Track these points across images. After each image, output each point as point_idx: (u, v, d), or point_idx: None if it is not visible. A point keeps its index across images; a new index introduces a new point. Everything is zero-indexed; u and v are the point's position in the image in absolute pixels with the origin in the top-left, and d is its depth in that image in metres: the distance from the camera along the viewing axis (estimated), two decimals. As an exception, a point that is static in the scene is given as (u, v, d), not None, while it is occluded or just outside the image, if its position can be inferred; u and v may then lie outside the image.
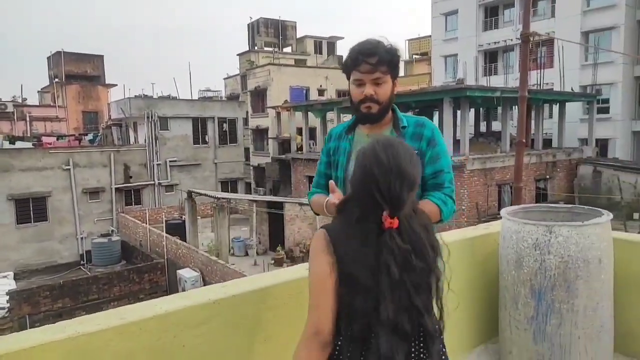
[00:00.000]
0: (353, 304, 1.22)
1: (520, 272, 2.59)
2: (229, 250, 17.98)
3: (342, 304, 1.24)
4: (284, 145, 27.00)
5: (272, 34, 39.03)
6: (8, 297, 13.92)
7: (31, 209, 20.83)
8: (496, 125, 24.26)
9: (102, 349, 1.64)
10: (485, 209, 16.51)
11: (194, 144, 26.67)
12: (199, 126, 26.95)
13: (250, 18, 40.67)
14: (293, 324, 2.07)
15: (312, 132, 25.76)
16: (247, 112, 30.57)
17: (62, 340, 1.57)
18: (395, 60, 1.69)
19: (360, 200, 1.25)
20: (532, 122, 21.05)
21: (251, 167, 29.25)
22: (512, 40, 25.63)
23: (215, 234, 18.01)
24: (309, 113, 23.64)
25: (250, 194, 26.89)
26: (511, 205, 3.01)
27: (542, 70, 22.26)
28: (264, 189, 26.31)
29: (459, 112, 18.30)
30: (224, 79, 39.05)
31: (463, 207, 16.15)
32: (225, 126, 28.05)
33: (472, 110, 22.65)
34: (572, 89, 22.81)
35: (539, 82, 21.89)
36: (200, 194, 18.63)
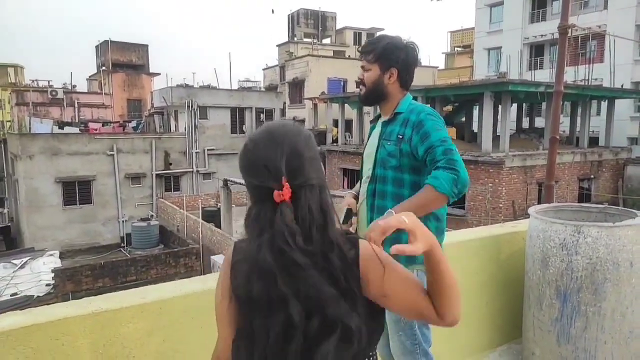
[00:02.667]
0: (248, 328, 1.00)
1: (546, 272, 2.52)
2: (262, 239, 18.21)
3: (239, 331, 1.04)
4: (320, 137, 27.02)
5: (311, 25, 38.99)
6: (53, 274, 14.68)
7: (77, 191, 21.79)
8: (540, 122, 23.40)
9: (123, 325, 1.72)
10: (523, 208, 16.03)
11: (232, 134, 27.12)
12: (237, 116, 27.35)
13: (290, 10, 40.73)
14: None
15: (348, 124, 25.65)
16: (284, 103, 30.76)
17: (86, 315, 1.65)
18: (384, 52, 1.87)
19: (250, 192, 1.06)
20: (578, 118, 20.18)
21: (287, 158, 29.36)
22: (560, 33, 24.44)
23: (249, 222, 18.29)
24: (346, 105, 23.53)
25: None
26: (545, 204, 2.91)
27: (591, 65, 21.24)
28: (299, 180, 26.39)
29: (500, 107, 17.77)
30: (263, 69, 39.39)
31: (500, 205, 15.72)
32: (263, 116, 28.35)
33: (515, 105, 21.93)
34: (622, 86, 21.68)
35: (587, 78, 20.92)
36: (235, 183, 18.96)
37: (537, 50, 28.49)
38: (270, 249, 0.96)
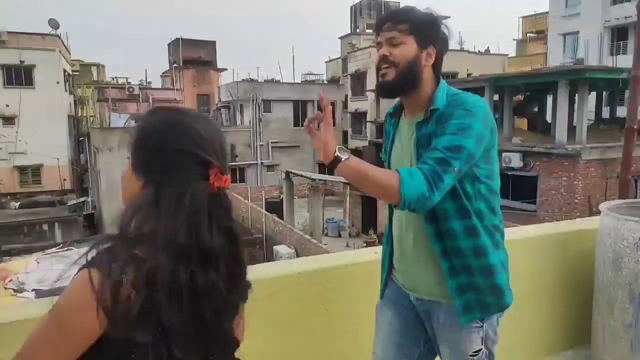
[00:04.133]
0: None
1: (619, 273, 2.35)
2: (323, 231, 18.44)
3: None
4: (382, 129, 26.74)
5: (374, 15, 38.48)
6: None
7: (152, 183, 23.13)
8: (622, 111, 21.59)
9: None
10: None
11: (294, 126, 27.54)
12: (299, 109, 27.72)
13: (354, 1, 40.45)
14: (353, 303, 2.10)
15: (411, 116, 25.14)
16: (346, 96, 30.72)
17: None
18: (423, 23, 1.43)
19: None
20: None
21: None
22: (648, 13, 22.37)
23: (310, 213, 18.58)
24: (409, 96, 23.07)
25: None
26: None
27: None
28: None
29: (576, 96, 16.62)
30: (326, 62, 39.52)
31: (576, 201, 14.75)
32: (325, 109, 28.52)
33: (594, 93, 20.40)
34: None
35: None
36: (297, 175, 19.27)
37: (619, 33, 26.21)
38: None
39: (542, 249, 2.69)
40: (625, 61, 23.73)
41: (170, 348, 0.82)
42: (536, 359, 2.76)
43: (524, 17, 39.34)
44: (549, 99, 20.39)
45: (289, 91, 27.90)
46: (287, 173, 19.14)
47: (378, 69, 1.47)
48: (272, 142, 26.81)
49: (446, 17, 1.50)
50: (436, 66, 1.47)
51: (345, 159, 1.29)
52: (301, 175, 19.13)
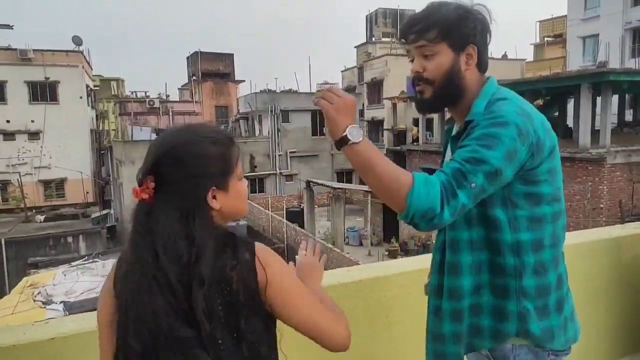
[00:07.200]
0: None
1: (679, 278, 2.32)
2: (344, 240, 18.42)
3: None
4: (399, 136, 26.70)
5: (389, 24, 38.64)
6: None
7: (172, 194, 23.42)
8: (646, 114, 21.22)
9: None
10: (629, 208, 14.64)
11: (312, 136, 27.67)
12: (317, 118, 27.86)
13: (369, 10, 40.70)
14: (415, 312, 2.11)
15: (429, 123, 25.08)
16: (362, 104, 30.80)
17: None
18: (454, 24, 1.23)
19: None
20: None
21: (366, 159, 29.41)
22: (669, 14, 22.02)
23: (331, 222, 18.59)
24: (427, 103, 23.01)
25: (364, 185, 27.15)
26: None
27: None
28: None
29: (598, 99, 16.38)
30: (342, 71, 39.70)
31: (601, 206, 14.49)
32: (342, 118, 28.58)
33: (616, 97, 20.09)
34: None
35: None
36: (318, 184, 19.33)
37: (641, 35, 25.85)
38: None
39: (594, 254, 2.67)
40: (648, 63, 23.38)
41: None
42: (590, 366, 2.73)
43: (541, 21, 39.06)
44: (569, 103, 20.13)
45: (306, 101, 28.09)
46: (308, 182, 19.22)
47: (414, 85, 1.32)
48: (290, 152, 26.96)
49: (479, 3, 1.29)
50: (481, 64, 1.29)
51: (354, 143, 1.11)
52: (322, 184, 19.18)
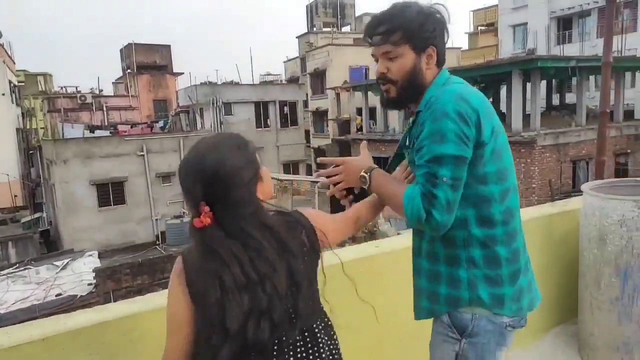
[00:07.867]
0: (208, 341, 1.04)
1: (604, 250, 2.44)
2: (293, 231, 18.36)
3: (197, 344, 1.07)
4: (344, 126, 26.94)
5: (330, 14, 38.69)
6: (94, 274, 15.16)
7: (111, 193, 22.37)
8: (570, 98, 22.65)
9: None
10: (558, 187, 15.61)
11: (257, 128, 27.29)
12: (261, 110, 27.49)
13: (309, 0, 40.49)
14: (398, 289, 2.08)
15: (372, 112, 25.46)
16: (306, 95, 30.74)
17: (153, 310, 1.67)
18: (417, 27, 1.31)
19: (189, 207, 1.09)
20: (612, 91, 19.44)
21: (312, 149, 29.49)
22: (588, 4, 23.54)
23: (279, 215, 18.45)
24: (369, 92, 23.33)
25: (311, 175, 27.20)
26: (588, 181, 2.81)
27: (624, 35, 20.39)
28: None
29: (528, 85, 17.27)
30: (284, 62, 39.40)
31: (533, 186, 15.36)
32: (286, 109, 28.39)
33: (544, 82, 21.28)
34: (658, 55, 20.74)
35: (620, 48, 20.10)
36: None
37: (564, 23, 27.49)
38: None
39: (527, 231, 2.76)
40: (571, 49, 24.95)
41: None
42: (528, 338, 2.84)
43: (474, 11, 40.60)
44: (502, 90, 21.10)
45: (249, 92, 27.62)
46: (253, 175, 18.97)
47: (378, 84, 1.43)
48: (234, 145, 26.45)
49: (438, 3, 1.37)
50: (439, 61, 1.39)
51: (363, 180, 1.39)
52: (273, 178, 18.99)
